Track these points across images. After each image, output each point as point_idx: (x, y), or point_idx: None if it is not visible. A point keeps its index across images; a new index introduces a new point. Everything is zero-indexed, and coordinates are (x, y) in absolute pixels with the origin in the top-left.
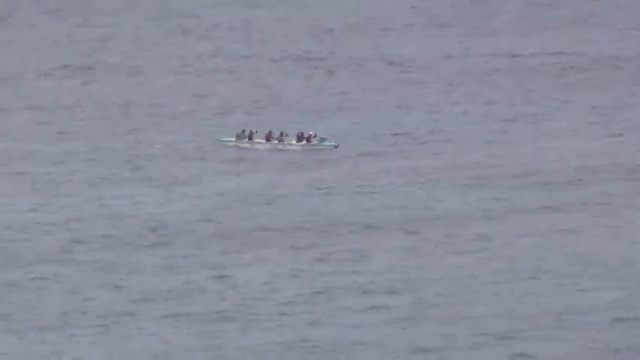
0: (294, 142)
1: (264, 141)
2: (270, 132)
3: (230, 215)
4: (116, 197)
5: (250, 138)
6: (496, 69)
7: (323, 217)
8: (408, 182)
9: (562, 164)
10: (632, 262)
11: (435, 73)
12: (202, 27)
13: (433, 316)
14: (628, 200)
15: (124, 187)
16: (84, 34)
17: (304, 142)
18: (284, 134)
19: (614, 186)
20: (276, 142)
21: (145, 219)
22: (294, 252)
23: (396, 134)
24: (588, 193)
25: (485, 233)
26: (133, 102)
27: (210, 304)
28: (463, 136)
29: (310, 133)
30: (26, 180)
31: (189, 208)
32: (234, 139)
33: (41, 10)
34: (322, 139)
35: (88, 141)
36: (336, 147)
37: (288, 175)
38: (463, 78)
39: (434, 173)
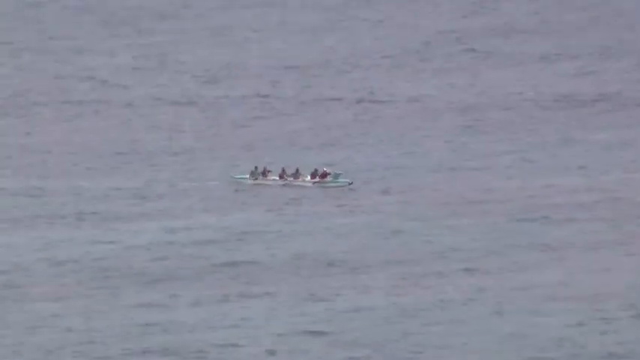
0: (308, 178)
1: (277, 178)
2: (284, 169)
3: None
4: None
5: (264, 175)
6: (483, 103)
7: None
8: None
9: (553, 200)
10: (623, 301)
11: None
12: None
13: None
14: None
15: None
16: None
17: (317, 178)
18: (298, 171)
19: (606, 223)
20: (291, 179)
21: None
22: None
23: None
24: (580, 230)
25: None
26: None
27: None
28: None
29: (325, 169)
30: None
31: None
32: (248, 176)
33: None
34: (337, 175)
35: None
36: (350, 184)
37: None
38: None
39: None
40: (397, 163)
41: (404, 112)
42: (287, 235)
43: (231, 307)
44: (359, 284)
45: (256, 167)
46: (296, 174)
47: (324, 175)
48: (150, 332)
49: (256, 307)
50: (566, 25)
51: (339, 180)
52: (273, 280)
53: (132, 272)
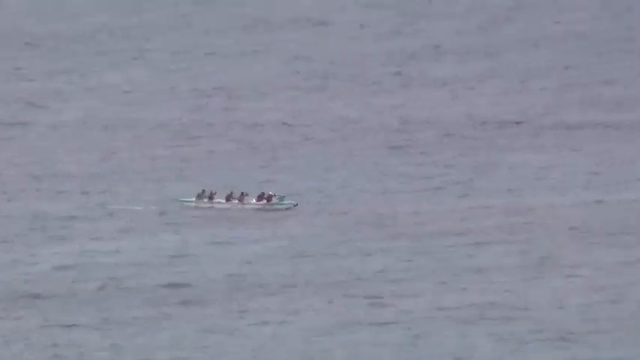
0: (254, 201)
1: (224, 201)
2: (231, 192)
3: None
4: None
5: (211, 198)
6: (411, 126)
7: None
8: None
9: (482, 222)
10: (538, 324)
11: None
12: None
13: None
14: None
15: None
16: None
17: (264, 201)
18: (244, 194)
19: (532, 245)
20: (236, 201)
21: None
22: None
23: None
24: (507, 251)
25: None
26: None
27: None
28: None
29: (270, 192)
30: None
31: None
32: (194, 199)
33: None
34: (281, 198)
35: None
36: (295, 205)
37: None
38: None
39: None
40: (327, 186)
41: (331, 135)
42: (220, 257)
43: (163, 327)
44: (289, 306)
45: (203, 190)
46: (242, 197)
47: (270, 197)
48: (78, 353)
49: (187, 327)
50: (490, 46)
51: (284, 202)
52: (205, 301)
53: (60, 294)
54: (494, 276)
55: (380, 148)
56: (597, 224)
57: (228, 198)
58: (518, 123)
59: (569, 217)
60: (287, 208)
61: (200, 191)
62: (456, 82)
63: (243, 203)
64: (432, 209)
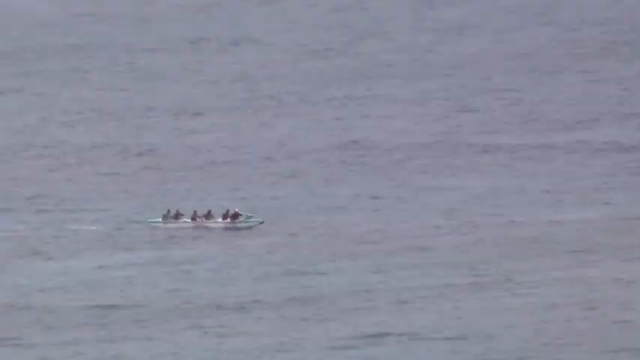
0: (220, 220)
1: (189, 220)
2: (195, 211)
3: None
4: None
5: (177, 218)
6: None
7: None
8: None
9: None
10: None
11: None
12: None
13: None
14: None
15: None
16: None
17: (229, 219)
18: (210, 213)
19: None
20: (202, 220)
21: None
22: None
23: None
24: (457, 271)
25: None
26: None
27: None
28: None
29: (236, 210)
30: None
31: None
32: (160, 219)
33: None
34: (249, 217)
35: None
36: (261, 223)
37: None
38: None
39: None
40: (279, 204)
41: (269, 154)
42: (176, 277)
43: (112, 347)
44: (245, 325)
45: (168, 210)
46: (208, 215)
47: (236, 215)
48: None
49: (138, 349)
50: (426, 67)
51: (251, 220)
52: (157, 321)
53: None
54: (448, 295)
55: (330, 165)
56: (550, 242)
57: (194, 217)
58: (457, 144)
59: (521, 235)
60: (252, 225)
61: (166, 211)
62: (394, 101)
63: (209, 221)
64: (384, 227)
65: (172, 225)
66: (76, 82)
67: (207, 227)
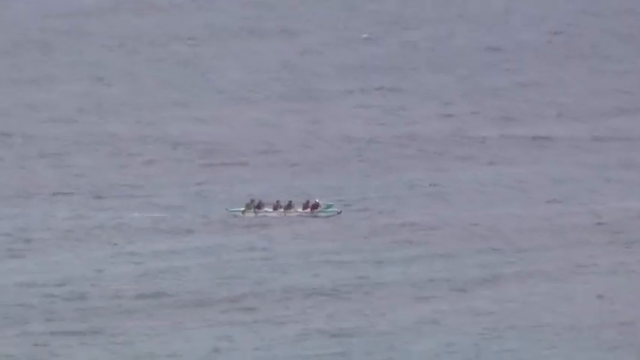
0: (300, 210)
1: (271, 210)
2: (278, 201)
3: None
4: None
5: (259, 207)
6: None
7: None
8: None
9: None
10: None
11: None
12: None
13: None
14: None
15: None
16: None
17: (309, 209)
18: (292, 203)
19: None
20: (282, 210)
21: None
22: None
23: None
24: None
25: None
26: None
27: None
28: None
29: (316, 200)
30: None
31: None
32: (243, 208)
33: None
34: (328, 206)
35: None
36: (339, 213)
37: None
38: None
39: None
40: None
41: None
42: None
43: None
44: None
45: (252, 200)
46: (289, 205)
47: (316, 205)
48: None
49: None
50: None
51: (329, 210)
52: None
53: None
54: (509, 281)
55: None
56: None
57: (276, 207)
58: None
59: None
60: (330, 216)
61: (249, 201)
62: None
63: (290, 211)
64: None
65: (253, 214)
66: (126, 73)
67: (287, 217)
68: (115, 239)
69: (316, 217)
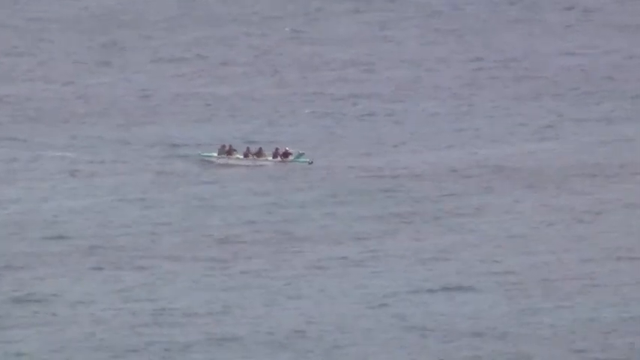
0: (270, 158)
1: (242, 157)
2: (248, 148)
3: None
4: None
5: (230, 154)
6: None
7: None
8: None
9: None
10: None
11: None
12: None
13: None
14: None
15: None
16: None
17: (279, 158)
18: (262, 151)
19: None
20: (254, 157)
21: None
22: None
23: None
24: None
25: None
26: None
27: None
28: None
29: (287, 149)
30: None
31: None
32: (216, 154)
33: None
34: (299, 155)
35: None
36: (310, 163)
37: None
38: None
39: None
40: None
41: None
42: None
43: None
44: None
45: (223, 146)
46: (259, 153)
47: (286, 154)
48: None
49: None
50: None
51: (300, 159)
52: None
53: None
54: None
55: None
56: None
57: (246, 154)
58: None
59: None
60: (301, 164)
61: (220, 147)
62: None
63: (259, 159)
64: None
65: (224, 161)
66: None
67: (257, 165)
68: None
69: (287, 164)
